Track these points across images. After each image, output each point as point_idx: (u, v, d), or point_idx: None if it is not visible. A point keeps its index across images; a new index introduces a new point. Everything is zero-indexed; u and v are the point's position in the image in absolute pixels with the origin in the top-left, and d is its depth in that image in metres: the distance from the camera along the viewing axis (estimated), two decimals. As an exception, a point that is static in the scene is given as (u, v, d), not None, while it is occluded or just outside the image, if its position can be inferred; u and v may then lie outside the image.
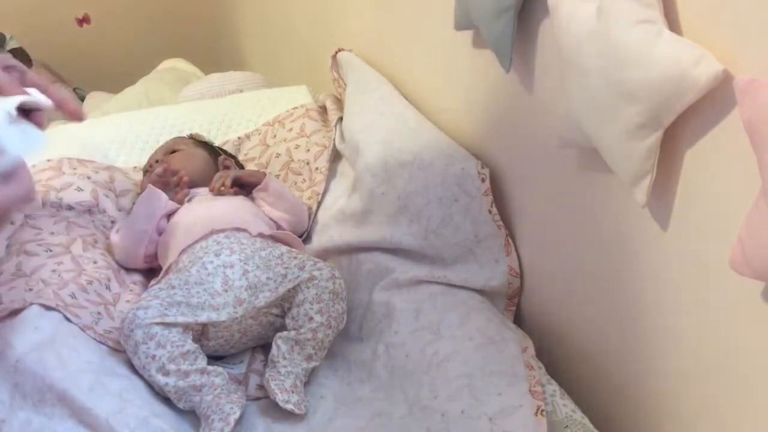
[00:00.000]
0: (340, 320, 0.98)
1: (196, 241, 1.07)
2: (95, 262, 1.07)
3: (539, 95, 0.92)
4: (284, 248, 1.08)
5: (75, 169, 1.25)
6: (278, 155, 1.38)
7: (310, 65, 1.77)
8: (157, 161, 1.27)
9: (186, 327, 0.94)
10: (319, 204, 1.26)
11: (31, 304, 0.93)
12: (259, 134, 1.44)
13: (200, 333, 0.99)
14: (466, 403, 0.83)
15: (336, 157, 1.32)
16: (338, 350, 1.01)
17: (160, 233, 1.15)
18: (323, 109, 1.45)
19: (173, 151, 1.28)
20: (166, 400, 0.92)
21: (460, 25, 1.02)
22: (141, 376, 0.91)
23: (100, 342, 0.94)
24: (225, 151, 1.37)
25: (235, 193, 1.20)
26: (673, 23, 0.67)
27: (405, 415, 0.87)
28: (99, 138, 1.37)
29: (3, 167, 0.66)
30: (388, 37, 1.32)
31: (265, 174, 1.20)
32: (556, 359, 1.00)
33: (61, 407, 0.81)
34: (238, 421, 0.87)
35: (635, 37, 0.66)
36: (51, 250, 1.06)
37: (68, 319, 0.93)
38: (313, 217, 1.25)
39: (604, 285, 0.88)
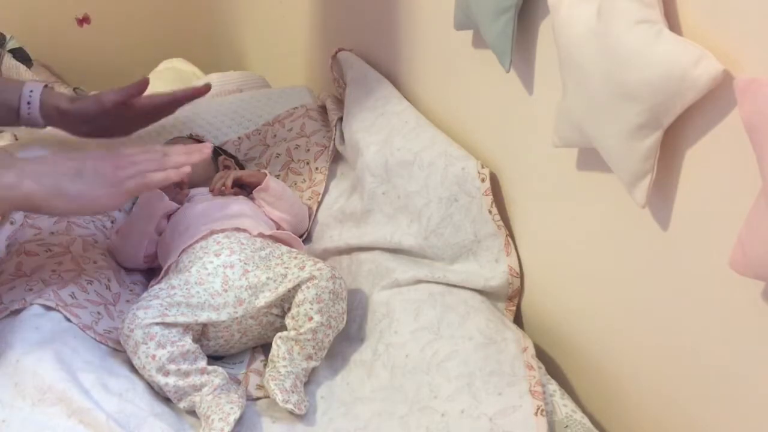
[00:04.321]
0: (340, 320, 0.98)
1: (196, 241, 1.07)
2: (95, 262, 1.07)
3: (539, 95, 0.93)
4: (284, 248, 1.08)
5: (75, 169, 1.25)
6: (278, 155, 1.38)
7: (310, 65, 1.77)
8: (157, 161, 1.27)
9: (186, 327, 0.94)
10: (319, 204, 1.26)
11: (31, 304, 0.93)
12: (259, 134, 1.44)
13: (200, 333, 0.99)
14: (466, 403, 0.83)
15: (336, 157, 1.32)
16: (338, 350, 1.01)
17: (160, 233, 1.15)
18: (323, 109, 1.45)
19: (173, 151, 1.28)
20: (166, 400, 0.92)
21: (460, 25, 1.02)
22: (141, 376, 0.91)
23: (100, 342, 0.94)
24: (225, 151, 1.37)
25: (236, 194, 1.20)
26: (673, 23, 0.67)
27: (405, 415, 0.87)
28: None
29: None
30: (388, 37, 1.32)
31: (265, 174, 1.20)
32: (556, 359, 1.00)
33: (61, 407, 0.81)
34: (238, 421, 0.87)
35: (635, 37, 0.66)
36: (51, 250, 1.06)
37: (68, 319, 0.93)
38: (313, 217, 1.25)
39: (603, 285, 0.88)
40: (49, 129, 1.32)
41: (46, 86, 1.21)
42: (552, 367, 0.97)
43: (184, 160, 0.96)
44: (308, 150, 1.35)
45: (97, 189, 0.90)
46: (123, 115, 1.24)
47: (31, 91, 1.19)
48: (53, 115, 1.21)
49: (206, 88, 1.27)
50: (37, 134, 1.35)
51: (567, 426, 0.83)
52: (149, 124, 1.30)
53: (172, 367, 0.90)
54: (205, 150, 0.97)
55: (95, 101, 1.21)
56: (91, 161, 0.92)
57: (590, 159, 0.83)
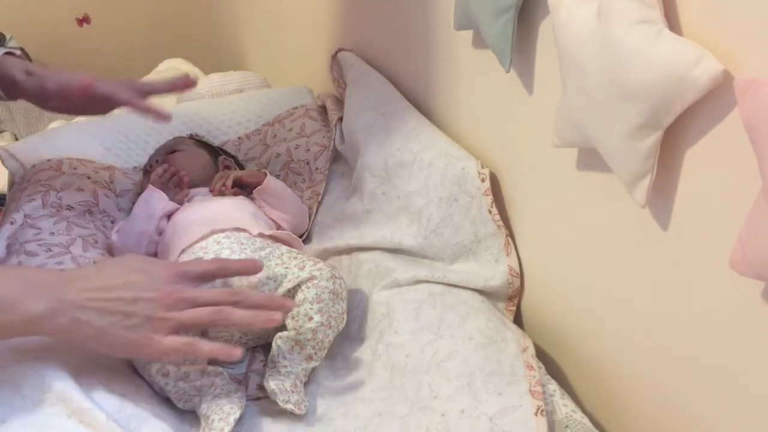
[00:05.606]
0: (340, 320, 0.98)
1: (197, 241, 1.07)
2: (95, 263, 1.07)
3: (539, 95, 0.93)
4: (284, 248, 1.08)
5: (75, 169, 1.25)
6: (278, 155, 1.38)
7: (310, 65, 1.77)
8: (157, 161, 1.27)
9: (186, 327, 0.94)
10: (319, 204, 1.26)
11: (31, 304, 0.93)
12: (259, 134, 1.44)
13: (200, 333, 0.99)
14: (466, 403, 0.83)
15: (336, 157, 1.32)
16: (338, 350, 1.01)
17: (160, 233, 1.15)
18: (323, 109, 1.45)
19: (173, 151, 1.28)
20: (166, 400, 0.92)
21: (460, 25, 1.02)
22: (141, 376, 0.91)
23: (100, 342, 0.94)
24: (225, 151, 1.37)
25: (236, 194, 1.20)
26: (673, 23, 0.67)
27: (405, 414, 0.87)
28: (99, 138, 1.37)
29: None
30: (388, 37, 1.32)
31: (265, 174, 1.20)
32: (556, 359, 1.00)
33: (61, 407, 0.81)
34: (238, 421, 0.87)
35: (635, 37, 0.66)
36: (51, 250, 1.06)
37: (68, 319, 0.93)
38: (313, 217, 1.25)
39: (603, 285, 0.88)
40: (49, 128, 1.32)
41: (6, 53, 1.05)
42: (552, 367, 0.97)
43: (250, 319, 0.84)
44: (308, 150, 1.35)
45: (137, 336, 0.79)
46: (93, 101, 1.07)
47: None
48: (9, 87, 1.05)
49: (191, 82, 1.15)
50: (41, 134, 1.35)
51: (567, 426, 0.83)
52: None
53: (172, 367, 0.90)
54: (275, 317, 0.86)
55: (56, 82, 1.04)
56: (145, 299, 0.79)
57: (590, 159, 0.83)
